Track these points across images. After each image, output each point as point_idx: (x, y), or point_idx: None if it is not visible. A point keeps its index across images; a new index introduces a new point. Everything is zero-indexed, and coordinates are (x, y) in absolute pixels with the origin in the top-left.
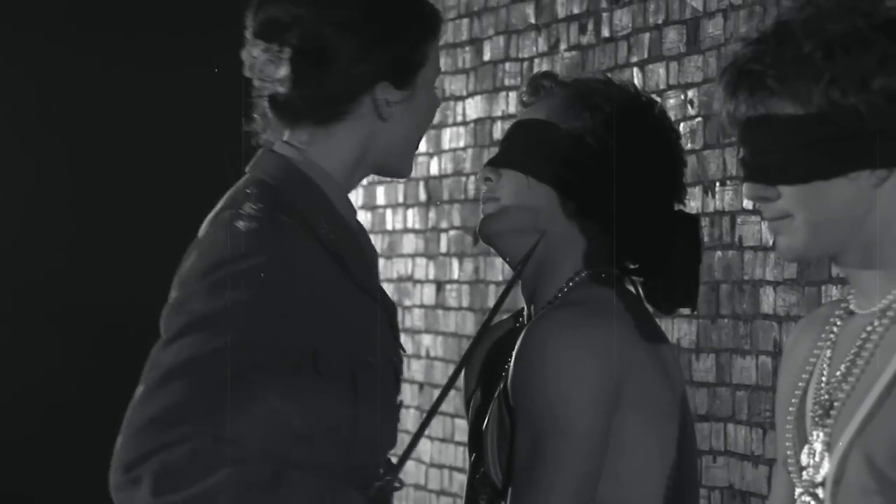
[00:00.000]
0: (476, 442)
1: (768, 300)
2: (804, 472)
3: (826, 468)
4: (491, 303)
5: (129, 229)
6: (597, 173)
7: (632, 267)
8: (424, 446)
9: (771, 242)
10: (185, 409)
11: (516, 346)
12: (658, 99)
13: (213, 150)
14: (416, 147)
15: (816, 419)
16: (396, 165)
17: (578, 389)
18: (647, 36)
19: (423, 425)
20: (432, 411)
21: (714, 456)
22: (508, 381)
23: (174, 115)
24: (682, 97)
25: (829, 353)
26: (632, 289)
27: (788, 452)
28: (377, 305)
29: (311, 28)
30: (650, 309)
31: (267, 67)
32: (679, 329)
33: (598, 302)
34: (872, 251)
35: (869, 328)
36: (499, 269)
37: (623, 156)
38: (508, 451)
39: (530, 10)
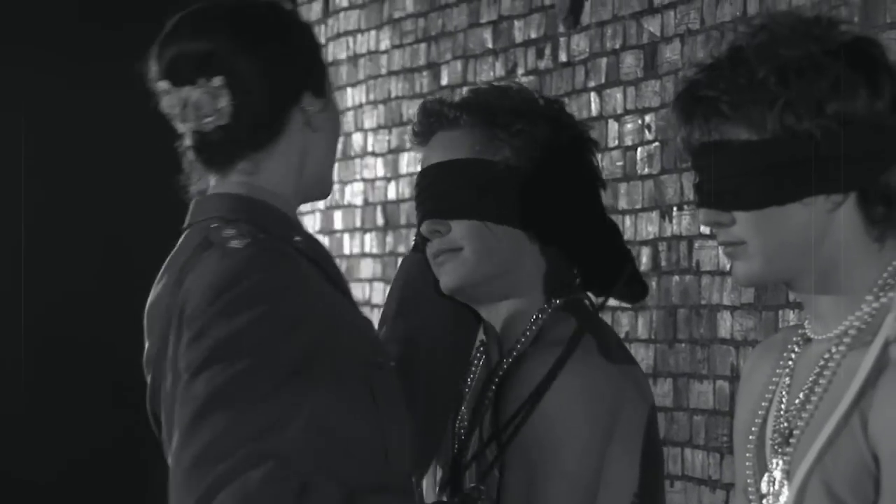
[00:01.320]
0: (455, 469)
1: (725, 325)
2: (764, 500)
3: (785, 496)
4: None
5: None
6: (545, 198)
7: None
8: None
9: (728, 267)
10: (232, 438)
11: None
12: (563, 100)
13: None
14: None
15: (776, 447)
16: (325, 182)
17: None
18: (604, 61)
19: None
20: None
21: (672, 481)
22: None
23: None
24: (640, 122)
25: (787, 380)
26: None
27: (748, 480)
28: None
29: (232, 55)
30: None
31: (204, 104)
32: (636, 353)
33: (588, 344)
34: (828, 276)
35: (826, 355)
36: None
37: (554, 172)
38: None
39: (488, 35)
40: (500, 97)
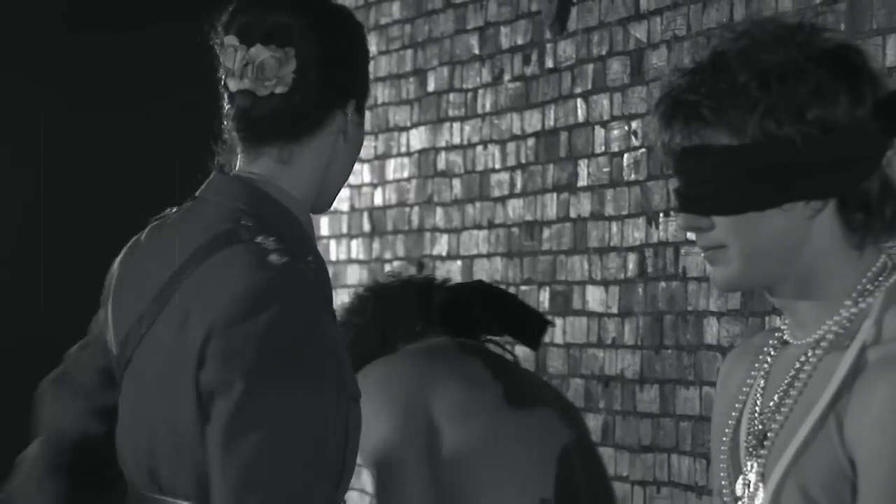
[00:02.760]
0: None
1: (712, 331)
2: (739, 503)
3: (761, 499)
4: None
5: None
6: None
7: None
8: (368, 476)
9: None
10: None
11: None
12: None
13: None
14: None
15: (750, 449)
16: (332, 196)
17: None
18: (590, 67)
19: None
20: None
21: (658, 486)
22: None
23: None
24: (626, 128)
25: (762, 382)
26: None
27: (723, 483)
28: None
29: (308, 34)
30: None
31: (269, 67)
32: (623, 360)
33: None
34: (807, 282)
35: (803, 358)
36: None
37: None
38: None
39: (474, 41)
40: None
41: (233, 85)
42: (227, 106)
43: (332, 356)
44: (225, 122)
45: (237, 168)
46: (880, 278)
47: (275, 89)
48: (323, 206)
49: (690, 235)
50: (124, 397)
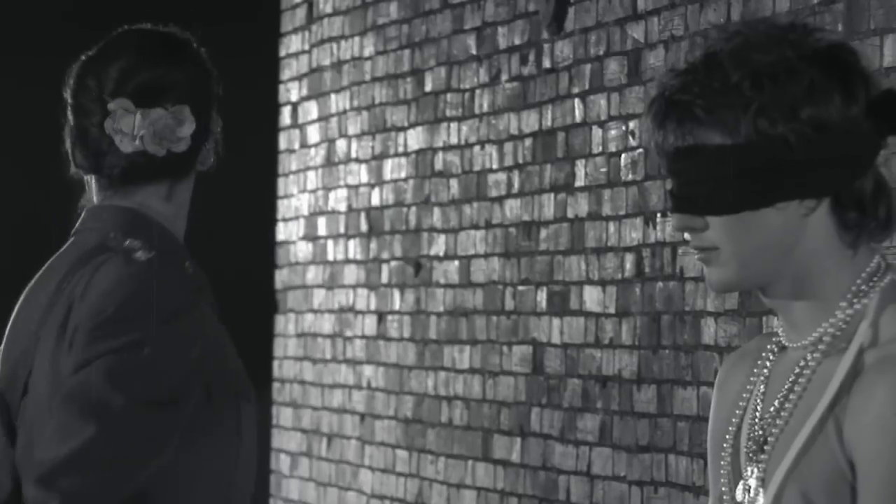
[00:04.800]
0: None
1: (709, 331)
2: None
3: None
4: (432, 333)
5: None
6: None
7: None
8: (366, 476)
9: None
10: (96, 456)
11: None
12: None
13: None
14: None
15: (751, 455)
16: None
17: None
18: (588, 67)
19: None
20: None
21: (655, 487)
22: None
23: None
24: (624, 128)
25: (762, 388)
26: None
27: (724, 489)
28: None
29: (198, 85)
30: None
31: (170, 130)
32: (620, 360)
33: None
34: (802, 282)
35: (801, 363)
36: (440, 300)
37: None
38: None
39: (471, 41)
40: None
41: (127, 146)
42: (105, 160)
43: (184, 349)
44: (107, 171)
45: (108, 197)
46: (875, 279)
47: (173, 148)
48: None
49: (685, 235)
50: (22, 424)
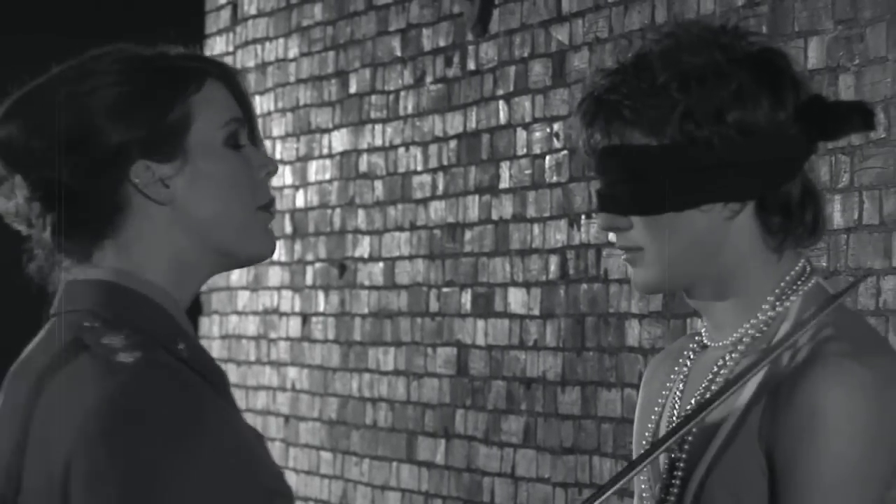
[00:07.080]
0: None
1: (633, 333)
2: None
3: (682, 502)
4: (357, 335)
5: None
6: None
7: None
8: (290, 479)
9: None
10: None
11: None
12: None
13: None
14: (250, 218)
15: (671, 454)
16: (237, 246)
17: None
18: (512, 69)
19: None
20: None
21: (580, 488)
22: None
23: None
24: (548, 130)
25: (681, 386)
26: None
27: (643, 486)
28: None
29: (47, 149)
30: None
31: (26, 208)
32: (544, 362)
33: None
34: (725, 284)
35: (720, 361)
36: (364, 302)
37: None
38: None
39: (396, 43)
40: None
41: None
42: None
43: (194, 473)
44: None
45: (79, 271)
46: (799, 282)
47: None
48: (246, 254)
49: (611, 236)
50: None
